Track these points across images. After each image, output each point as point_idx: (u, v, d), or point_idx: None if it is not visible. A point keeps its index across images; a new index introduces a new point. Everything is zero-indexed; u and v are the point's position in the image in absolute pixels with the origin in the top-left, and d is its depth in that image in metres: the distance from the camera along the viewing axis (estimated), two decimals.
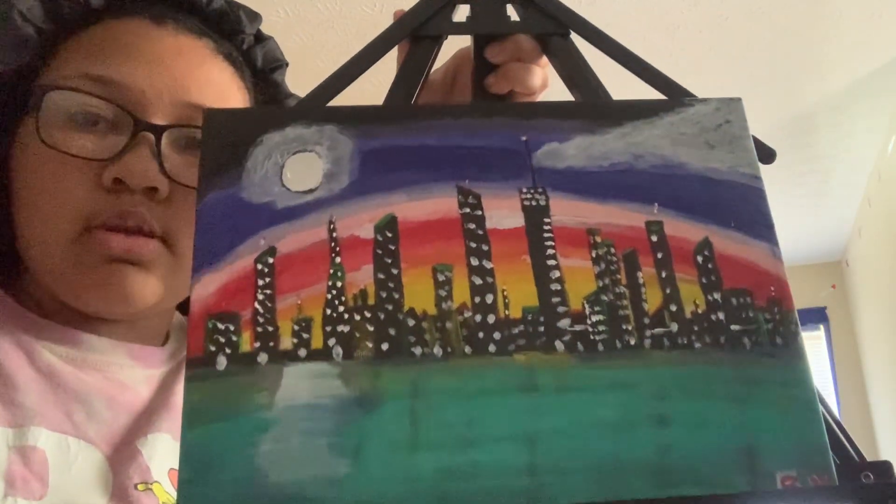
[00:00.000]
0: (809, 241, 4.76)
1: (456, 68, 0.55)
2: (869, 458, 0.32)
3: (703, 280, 0.34)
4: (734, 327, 0.33)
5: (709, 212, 0.35)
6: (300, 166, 0.35)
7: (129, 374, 0.54)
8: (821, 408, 0.32)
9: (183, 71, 0.52)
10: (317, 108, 0.40)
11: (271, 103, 0.63)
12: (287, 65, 0.66)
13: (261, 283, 0.32)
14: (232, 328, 0.31)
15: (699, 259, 0.34)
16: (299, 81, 0.70)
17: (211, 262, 0.32)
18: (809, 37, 2.71)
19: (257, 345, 0.31)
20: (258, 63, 0.62)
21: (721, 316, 0.33)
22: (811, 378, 0.32)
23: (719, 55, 2.81)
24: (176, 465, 0.44)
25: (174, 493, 0.50)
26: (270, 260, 0.32)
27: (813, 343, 5.13)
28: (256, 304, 0.32)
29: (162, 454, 0.52)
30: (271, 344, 0.31)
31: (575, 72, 0.43)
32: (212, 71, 0.55)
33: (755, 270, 0.34)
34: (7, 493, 0.43)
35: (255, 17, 0.60)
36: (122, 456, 0.51)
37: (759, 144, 0.38)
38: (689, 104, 0.39)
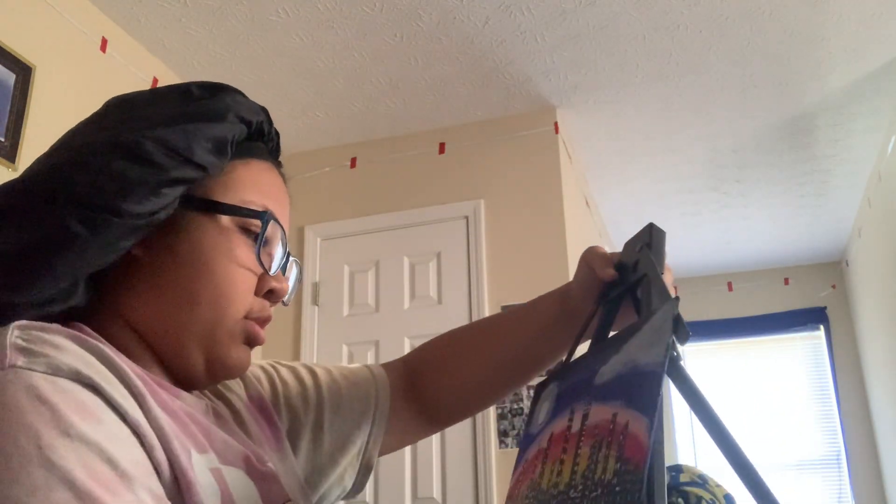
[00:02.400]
0: (809, 241, 4.77)
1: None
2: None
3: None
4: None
5: (623, 395, 0.50)
6: (543, 408, 0.64)
7: (205, 419, 0.63)
8: None
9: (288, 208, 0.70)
10: (556, 372, 0.69)
11: None
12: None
13: (516, 474, 0.60)
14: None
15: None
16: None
17: (514, 469, 0.62)
18: (809, 37, 2.71)
19: None
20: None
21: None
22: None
23: (719, 55, 2.81)
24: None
25: None
26: (520, 466, 0.61)
27: (813, 343, 5.14)
28: (510, 489, 0.61)
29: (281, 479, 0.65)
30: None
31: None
32: None
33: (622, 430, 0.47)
34: None
35: (279, 135, 0.75)
36: (259, 476, 0.61)
37: (678, 327, 0.49)
38: (655, 313, 0.55)
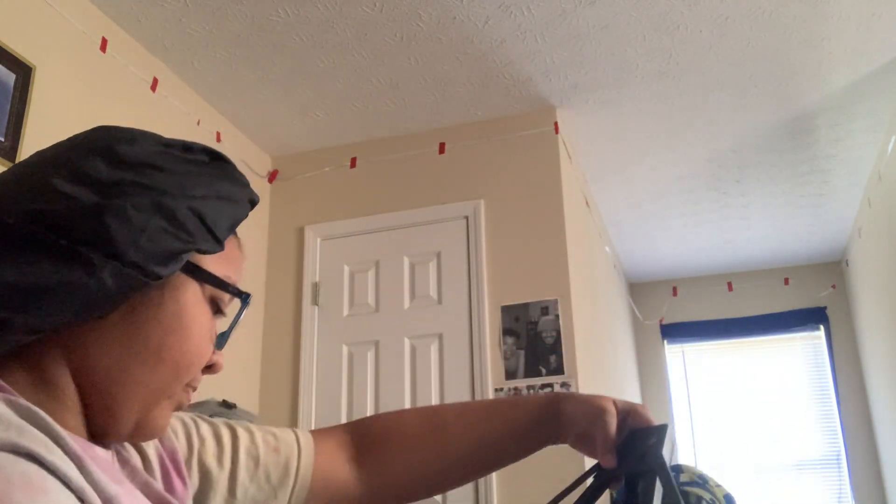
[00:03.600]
0: (809, 241, 4.77)
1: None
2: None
3: None
4: None
5: None
6: None
7: (124, 476, 0.62)
8: None
9: None
10: None
11: None
12: None
13: None
14: None
15: None
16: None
17: None
18: (809, 37, 2.71)
19: None
20: None
21: None
22: None
23: (719, 55, 2.81)
24: None
25: None
26: None
27: (813, 343, 5.14)
28: None
29: None
30: None
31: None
32: None
33: None
34: None
35: None
36: None
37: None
38: None
